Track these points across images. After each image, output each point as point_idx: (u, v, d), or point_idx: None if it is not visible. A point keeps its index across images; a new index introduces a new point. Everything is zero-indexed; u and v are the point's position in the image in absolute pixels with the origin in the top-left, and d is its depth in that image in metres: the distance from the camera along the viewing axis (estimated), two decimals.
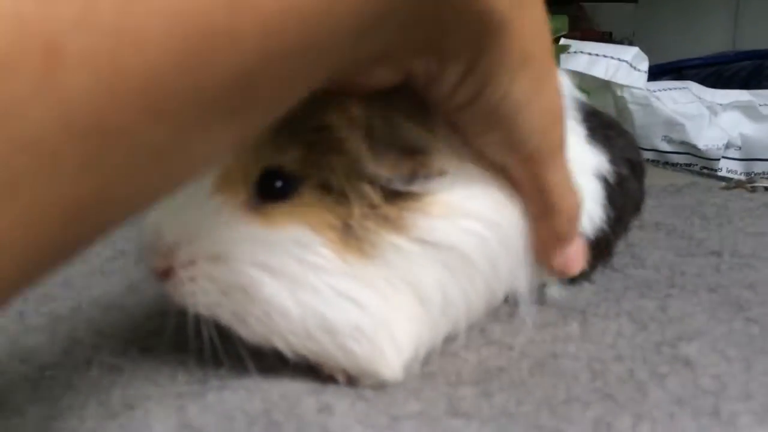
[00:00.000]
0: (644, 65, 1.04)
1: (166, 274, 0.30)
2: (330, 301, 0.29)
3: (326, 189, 0.29)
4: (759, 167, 1.03)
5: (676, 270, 0.45)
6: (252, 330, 0.30)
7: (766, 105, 1.07)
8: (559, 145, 0.31)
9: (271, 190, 0.29)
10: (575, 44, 1.00)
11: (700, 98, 1.09)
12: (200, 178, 0.29)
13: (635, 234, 0.51)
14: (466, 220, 0.30)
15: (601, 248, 0.41)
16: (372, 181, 0.29)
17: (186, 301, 0.30)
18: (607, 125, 0.44)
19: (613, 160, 0.41)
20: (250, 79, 0.19)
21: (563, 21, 0.81)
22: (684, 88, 1.11)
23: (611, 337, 0.36)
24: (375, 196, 0.29)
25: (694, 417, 0.27)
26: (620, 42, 1.97)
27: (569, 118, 0.38)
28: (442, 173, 0.30)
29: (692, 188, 0.74)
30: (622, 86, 1.05)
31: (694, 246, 0.51)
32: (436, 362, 0.33)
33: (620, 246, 0.47)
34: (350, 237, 0.29)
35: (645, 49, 1.11)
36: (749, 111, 1.08)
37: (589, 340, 0.35)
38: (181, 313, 0.30)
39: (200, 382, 0.31)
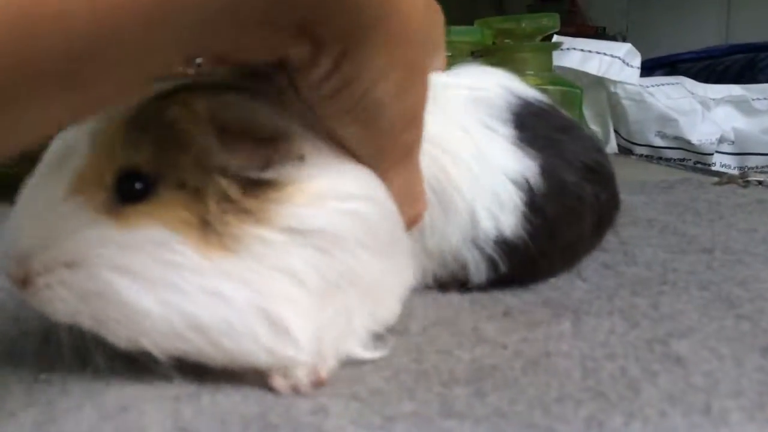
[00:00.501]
0: (637, 61, 1.05)
1: (23, 282, 0.30)
2: (195, 299, 0.29)
3: (183, 186, 0.29)
4: (752, 161, 1.04)
5: (668, 267, 0.46)
6: (116, 334, 0.30)
7: (758, 99, 1.08)
8: (408, 151, 0.33)
9: (129, 191, 0.29)
10: (568, 41, 1.00)
11: (693, 93, 1.10)
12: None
13: (627, 231, 0.51)
14: (335, 201, 0.30)
15: (513, 260, 0.41)
16: (227, 174, 0.29)
17: (45, 309, 0.30)
18: (558, 128, 0.43)
19: (550, 166, 0.41)
20: (81, 59, 0.21)
21: (554, 19, 0.81)
22: (677, 83, 1.11)
23: (603, 334, 0.36)
24: (232, 189, 0.29)
25: (685, 414, 0.27)
26: (613, 37, 1.98)
27: (494, 119, 0.41)
28: (301, 159, 0.30)
29: (684, 184, 0.74)
30: (615, 82, 1.06)
31: (686, 243, 0.52)
32: (430, 361, 0.34)
33: (613, 243, 0.47)
34: (210, 233, 0.29)
35: (638, 44, 1.11)
36: (742, 105, 1.09)
37: (582, 338, 0.35)
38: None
39: (195, 384, 0.31)
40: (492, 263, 0.41)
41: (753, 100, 1.07)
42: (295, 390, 0.31)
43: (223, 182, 0.29)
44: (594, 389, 0.30)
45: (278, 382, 0.31)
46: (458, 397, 0.30)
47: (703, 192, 0.70)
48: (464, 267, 0.41)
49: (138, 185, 0.29)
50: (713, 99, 1.09)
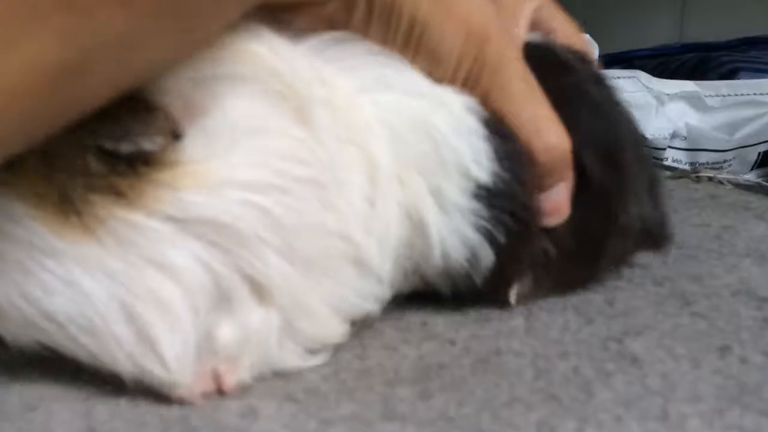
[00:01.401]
0: (594, 52, 1.04)
1: None
2: (47, 285, 0.25)
3: (49, 155, 0.25)
4: (703, 157, 1.04)
5: None
6: None
7: (711, 96, 1.08)
8: (496, 69, 0.32)
9: None
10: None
11: (648, 88, 1.10)
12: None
13: None
14: (232, 190, 0.26)
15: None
16: (89, 144, 0.25)
17: None
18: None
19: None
20: None
21: None
22: (632, 77, 1.11)
23: (557, 331, 0.34)
24: (95, 163, 0.25)
25: (641, 420, 0.26)
26: None
27: None
28: (175, 135, 0.26)
29: None
30: None
31: None
32: (374, 357, 0.31)
33: None
34: (71, 211, 0.25)
35: (595, 39, 1.11)
36: (695, 101, 1.10)
37: (534, 335, 0.34)
38: None
39: (112, 384, 0.28)
40: None
41: (706, 96, 1.08)
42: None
43: (82, 155, 0.25)
44: (546, 391, 0.28)
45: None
46: (402, 398, 0.28)
47: None
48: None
49: None
50: (667, 94, 1.10)
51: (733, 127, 1.05)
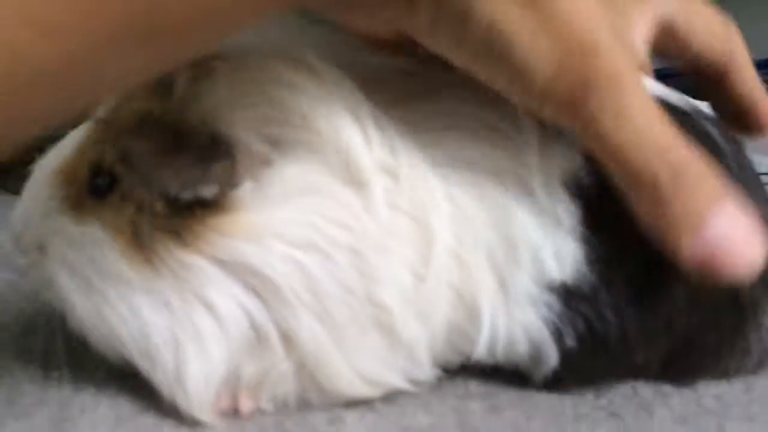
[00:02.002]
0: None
1: (18, 257, 0.31)
2: (116, 309, 0.28)
3: (130, 192, 0.28)
4: None
5: None
6: (74, 324, 0.30)
7: None
8: (606, 83, 0.24)
9: (97, 186, 0.29)
10: None
11: None
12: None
13: None
14: (276, 243, 0.27)
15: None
16: (158, 189, 0.27)
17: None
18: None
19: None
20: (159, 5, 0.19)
21: None
22: None
23: None
24: (158, 205, 0.27)
25: None
26: None
27: None
28: (233, 184, 0.27)
29: None
30: None
31: None
32: (444, 374, 0.33)
33: None
34: (140, 246, 0.28)
35: None
36: None
37: None
38: None
39: None
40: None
41: None
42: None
43: (150, 197, 0.28)
44: (607, 409, 0.30)
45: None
46: (474, 411, 0.30)
47: None
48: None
49: (100, 182, 0.29)
50: None
51: None
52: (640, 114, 0.24)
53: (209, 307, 0.27)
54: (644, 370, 0.32)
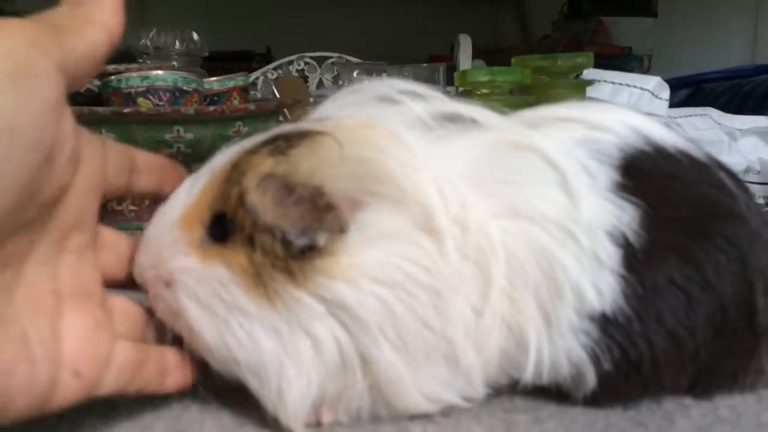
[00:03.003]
0: (666, 94, 1.09)
1: (144, 288, 0.36)
2: (237, 336, 0.33)
3: (250, 237, 0.33)
4: None
5: None
6: (194, 349, 0.35)
7: None
8: None
9: (217, 232, 0.34)
10: (599, 74, 1.05)
11: (719, 124, 1.14)
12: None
13: None
14: (367, 282, 0.32)
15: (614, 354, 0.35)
16: (275, 234, 0.32)
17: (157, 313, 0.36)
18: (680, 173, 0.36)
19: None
20: None
21: (589, 58, 0.86)
22: (704, 114, 1.15)
23: None
24: (277, 249, 0.32)
25: None
26: (639, 56, 2.01)
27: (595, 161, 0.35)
28: (341, 231, 0.32)
29: None
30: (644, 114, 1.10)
31: None
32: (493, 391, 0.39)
33: None
34: (260, 283, 0.32)
35: (663, 63, 1.14)
36: (767, 136, 1.12)
37: None
38: None
39: None
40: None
41: None
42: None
43: (271, 241, 0.32)
44: (635, 419, 0.35)
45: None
46: (518, 422, 0.35)
47: None
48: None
49: (222, 229, 0.34)
50: (739, 130, 1.13)
51: None
52: None
53: (312, 338, 0.32)
54: (672, 391, 0.37)
